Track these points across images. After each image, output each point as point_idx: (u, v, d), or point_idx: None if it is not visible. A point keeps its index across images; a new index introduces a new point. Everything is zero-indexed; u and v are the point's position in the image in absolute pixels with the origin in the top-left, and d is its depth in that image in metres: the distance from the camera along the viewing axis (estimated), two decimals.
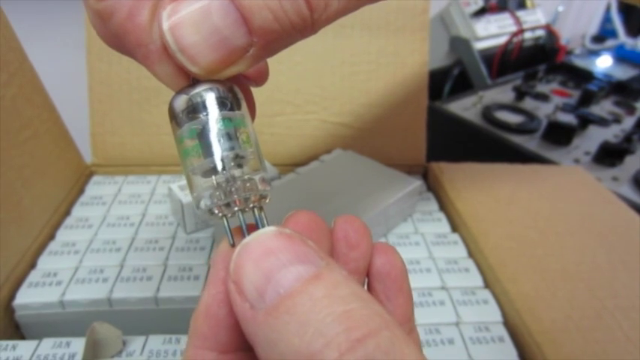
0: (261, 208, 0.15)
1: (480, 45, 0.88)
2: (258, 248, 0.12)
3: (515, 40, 0.92)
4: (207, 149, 0.14)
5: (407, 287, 0.17)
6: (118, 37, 0.15)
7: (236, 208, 0.15)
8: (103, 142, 0.45)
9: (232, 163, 0.14)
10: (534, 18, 0.98)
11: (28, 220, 0.36)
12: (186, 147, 0.15)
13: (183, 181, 0.39)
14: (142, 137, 0.46)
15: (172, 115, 0.15)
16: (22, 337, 0.33)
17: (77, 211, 0.41)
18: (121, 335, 0.28)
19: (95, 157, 0.46)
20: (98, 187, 0.44)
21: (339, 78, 0.47)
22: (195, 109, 0.14)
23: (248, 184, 0.15)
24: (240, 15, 0.13)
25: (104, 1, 0.14)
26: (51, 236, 0.37)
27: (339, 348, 0.10)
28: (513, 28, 0.92)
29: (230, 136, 0.14)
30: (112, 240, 0.37)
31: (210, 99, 0.14)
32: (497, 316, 0.33)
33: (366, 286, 0.17)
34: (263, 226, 0.14)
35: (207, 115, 0.14)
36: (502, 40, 0.91)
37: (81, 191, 0.43)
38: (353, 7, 0.15)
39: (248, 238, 0.13)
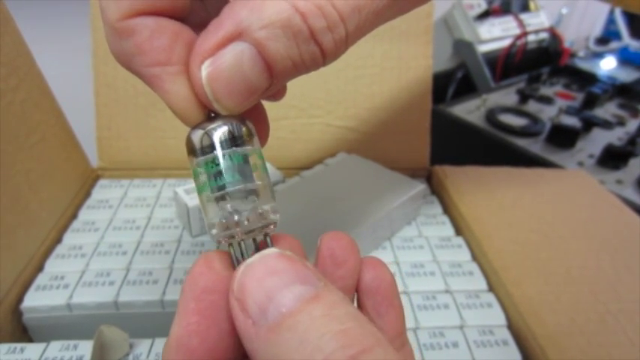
0: (266, 235, 0.16)
1: (483, 48, 0.88)
2: (261, 268, 0.13)
3: (518, 42, 0.92)
4: (219, 182, 0.15)
5: (397, 302, 0.17)
6: (131, 55, 0.15)
7: (240, 239, 0.16)
8: (109, 145, 0.46)
9: (242, 196, 0.16)
10: (538, 21, 0.97)
11: (35, 224, 0.36)
12: (201, 178, 0.16)
13: (189, 185, 0.39)
14: (148, 141, 0.46)
15: (189, 147, 0.16)
16: (30, 340, 0.33)
17: (84, 214, 0.41)
18: (128, 338, 0.29)
19: (101, 160, 0.46)
20: (104, 191, 0.44)
21: (343, 82, 0.47)
22: (211, 144, 0.16)
23: (256, 215, 0.16)
24: (265, 64, 0.15)
25: (126, 20, 0.15)
26: (58, 239, 0.38)
27: None
28: (517, 31, 0.92)
29: (241, 170, 0.16)
30: (118, 243, 0.37)
31: (225, 134, 0.16)
32: (501, 319, 0.33)
33: (355, 303, 0.18)
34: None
35: (220, 149, 0.15)
36: (505, 43, 0.91)
37: (87, 195, 0.44)
38: (359, 39, 0.16)
39: (252, 259, 0.14)
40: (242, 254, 0.16)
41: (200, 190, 0.16)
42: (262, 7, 0.14)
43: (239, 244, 0.16)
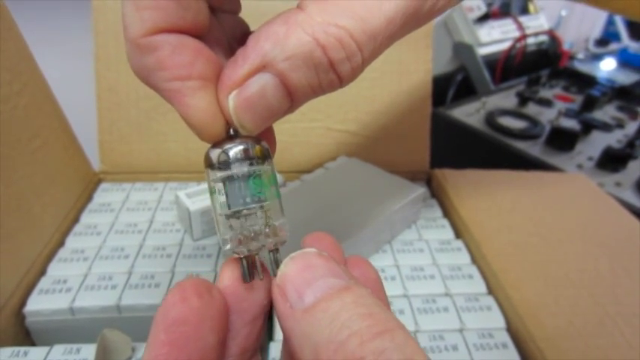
0: (277, 250, 0.17)
1: (483, 51, 0.88)
2: (301, 262, 0.15)
3: (518, 45, 0.92)
4: (233, 198, 0.16)
5: (384, 298, 0.18)
6: (152, 70, 0.16)
7: (253, 253, 0.17)
8: (111, 149, 0.46)
9: (254, 213, 0.17)
10: (537, 23, 0.98)
11: (38, 228, 0.36)
12: (217, 193, 0.17)
13: (190, 189, 0.39)
14: (150, 145, 0.46)
15: (207, 164, 0.17)
16: (33, 344, 0.34)
17: (86, 218, 0.41)
18: (130, 342, 0.29)
19: (103, 164, 0.47)
20: (106, 194, 0.44)
21: None
22: (227, 162, 0.16)
23: (266, 231, 0.17)
24: (287, 91, 0.16)
25: (149, 37, 0.16)
26: (60, 243, 0.38)
27: (361, 338, 0.12)
28: (516, 34, 0.93)
29: (254, 188, 0.17)
30: (120, 247, 0.37)
31: (242, 154, 0.17)
32: (500, 322, 0.33)
33: None
34: (277, 266, 0.16)
35: (236, 167, 0.16)
36: (505, 46, 0.91)
37: (89, 198, 0.44)
38: (373, 60, 0.17)
39: (294, 254, 0.15)
40: (253, 268, 0.17)
41: (215, 206, 0.17)
42: (285, 39, 0.15)
43: (250, 259, 0.17)
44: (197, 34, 0.17)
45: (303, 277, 0.14)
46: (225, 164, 0.16)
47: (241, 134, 0.17)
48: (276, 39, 0.16)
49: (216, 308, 0.15)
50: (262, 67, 0.16)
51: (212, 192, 0.17)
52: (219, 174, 0.17)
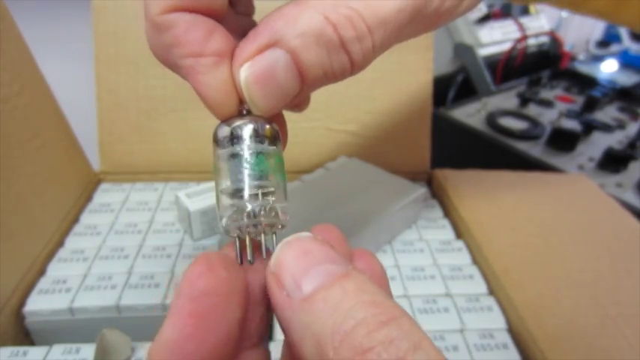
0: (274, 234, 0.17)
1: (483, 51, 0.88)
2: (298, 247, 0.14)
3: (518, 46, 0.92)
4: (236, 176, 0.16)
5: (388, 292, 0.17)
6: (169, 47, 0.17)
7: (248, 233, 0.16)
8: (111, 150, 0.46)
9: (256, 192, 0.16)
10: (538, 24, 0.98)
11: (38, 228, 0.36)
12: (220, 169, 0.17)
13: (190, 189, 0.39)
14: (150, 145, 0.46)
15: (215, 139, 0.17)
16: (32, 344, 0.34)
17: (86, 218, 0.41)
18: (130, 341, 0.29)
19: (103, 164, 0.47)
20: (106, 195, 0.44)
21: (343, 86, 0.47)
22: (234, 139, 0.16)
23: (267, 212, 0.16)
24: (298, 71, 0.16)
25: (166, 15, 0.16)
26: (60, 243, 0.38)
27: (367, 327, 0.12)
28: (517, 35, 0.93)
29: (259, 167, 0.16)
30: (119, 247, 0.37)
31: (250, 131, 0.16)
32: (501, 322, 0.33)
33: None
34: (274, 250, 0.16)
35: (243, 144, 0.16)
36: (506, 47, 0.91)
37: (89, 199, 0.44)
38: (383, 52, 0.18)
39: (289, 238, 0.15)
40: (244, 251, 0.16)
41: (217, 182, 0.17)
42: (297, 18, 0.16)
43: (245, 239, 0.16)
44: (213, 16, 0.17)
45: (299, 264, 0.14)
46: (232, 140, 0.16)
47: (253, 114, 0.17)
48: (287, 18, 0.16)
49: (241, 281, 0.15)
50: (274, 44, 0.16)
51: (216, 167, 0.17)
52: (225, 150, 0.16)
